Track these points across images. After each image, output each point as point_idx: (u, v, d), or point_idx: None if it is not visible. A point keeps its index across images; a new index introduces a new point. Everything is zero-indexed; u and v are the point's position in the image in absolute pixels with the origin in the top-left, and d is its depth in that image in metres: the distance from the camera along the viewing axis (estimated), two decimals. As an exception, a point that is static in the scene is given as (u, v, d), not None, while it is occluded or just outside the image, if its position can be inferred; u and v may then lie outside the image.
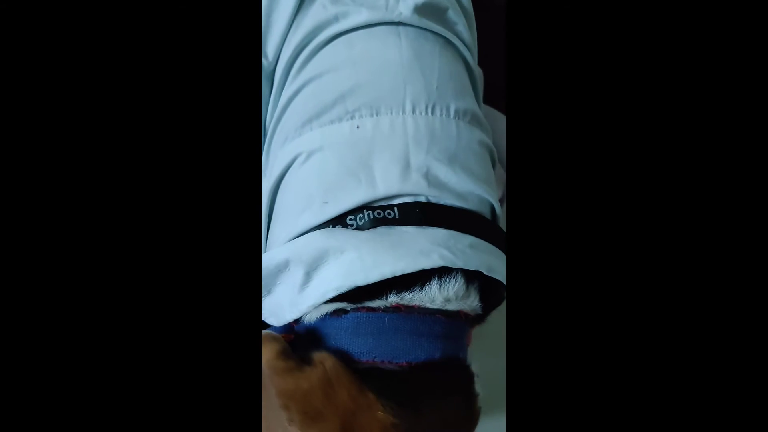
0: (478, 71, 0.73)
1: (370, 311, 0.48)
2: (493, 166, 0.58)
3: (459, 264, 0.48)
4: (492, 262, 0.51)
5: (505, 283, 0.52)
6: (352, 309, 0.48)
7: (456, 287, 0.49)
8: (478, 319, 0.54)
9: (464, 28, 0.60)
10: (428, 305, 0.48)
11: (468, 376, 0.50)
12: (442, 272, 0.48)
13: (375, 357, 0.47)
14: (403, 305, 0.48)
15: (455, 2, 0.61)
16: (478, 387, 0.51)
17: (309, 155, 0.53)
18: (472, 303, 0.51)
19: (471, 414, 0.50)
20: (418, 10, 0.56)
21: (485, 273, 0.49)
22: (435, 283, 0.48)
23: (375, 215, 0.49)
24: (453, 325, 0.50)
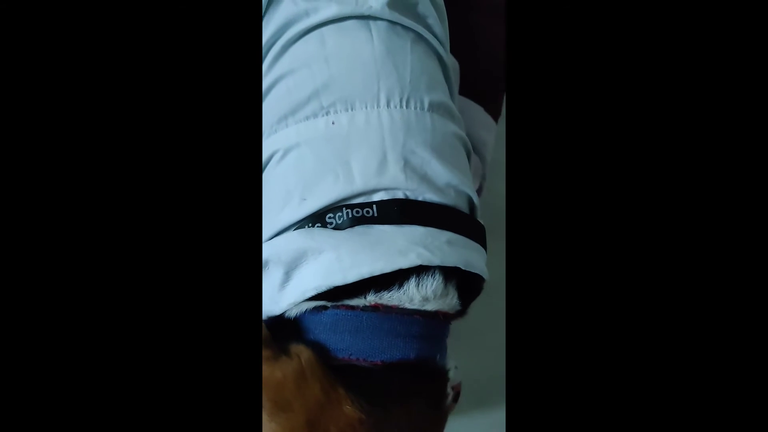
0: (452, 63, 0.73)
1: (349, 309, 0.49)
2: (468, 158, 0.59)
3: (436, 261, 0.48)
4: (470, 256, 0.51)
5: (484, 276, 0.53)
6: (332, 306, 0.49)
7: (434, 285, 0.49)
8: (459, 314, 0.55)
9: (435, 21, 0.59)
10: (407, 305, 0.49)
11: (440, 378, 0.51)
12: (420, 270, 0.49)
13: (351, 354, 0.48)
14: (381, 305, 0.49)
15: None
16: (450, 388, 0.52)
17: (286, 152, 0.52)
18: (450, 301, 0.51)
19: (439, 415, 0.50)
20: (389, 3, 0.56)
21: (462, 268, 0.50)
22: (413, 281, 0.49)
23: (354, 213, 0.49)
24: (431, 326, 0.50)
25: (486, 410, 0.94)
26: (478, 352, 0.92)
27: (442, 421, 0.51)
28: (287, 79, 0.55)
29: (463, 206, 0.54)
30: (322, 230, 0.49)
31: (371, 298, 0.48)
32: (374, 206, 0.49)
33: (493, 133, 0.76)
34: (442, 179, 0.52)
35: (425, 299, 0.49)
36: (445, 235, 0.50)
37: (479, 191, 0.74)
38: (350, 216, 0.49)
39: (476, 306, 0.94)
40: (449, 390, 0.51)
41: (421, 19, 0.58)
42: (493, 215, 1.03)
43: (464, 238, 0.51)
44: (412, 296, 0.49)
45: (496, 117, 0.77)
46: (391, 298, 0.48)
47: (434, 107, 0.54)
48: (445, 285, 0.50)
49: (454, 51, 0.75)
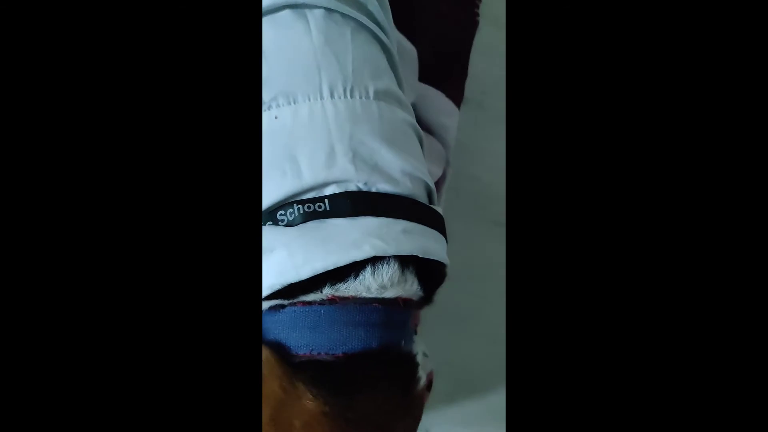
0: (409, 50, 0.73)
1: (306, 305, 0.48)
2: (421, 145, 0.58)
3: (391, 251, 0.48)
4: (427, 244, 0.51)
5: (444, 263, 0.52)
6: (289, 304, 0.48)
7: (390, 273, 0.49)
8: (425, 301, 0.54)
9: (376, 8, 0.58)
10: (364, 294, 0.48)
11: (408, 362, 0.51)
12: (375, 260, 0.48)
13: (312, 349, 0.47)
14: (338, 297, 0.48)
15: None
16: (424, 372, 0.51)
17: None
18: (410, 288, 0.50)
19: (408, 399, 0.50)
20: None
21: (420, 256, 0.50)
22: (368, 270, 0.48)
23: (305, 209, 0.48)
24: (392, 313, 0.50)
25: (485, 397, 0.95)
26: (477, 339, 0.92)
27: (414, 407, 0.50)
28: None
29: (420, 194, 0.53)
30: (273, 228, 0.48)
31: (327, 292, 0.48)
32: (326, 200, 0.49)
33: (455, 119, 0.76)
34: (395, 168, 0.51)
35: (382, 287, 0.49)
36: (401, 225, 0.50)
37: (443, 177, 0.73)
38: (302, 212, 0.48)
39: (475, 293, 0.94)
40: (420, 374, 0.51)
41: (361, 6, 0.57)
42: (479, 203, 1.04)
43: (421, 226, 0.51)
44: (368, 285, 0.48)
45: (458, 102, 0.77)
46: (348, 288, 0.48)
47: (380, 95, 0.53)
48: (402, 272, 0.49)
49: (411, 36, 0.75)
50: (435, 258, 0.51)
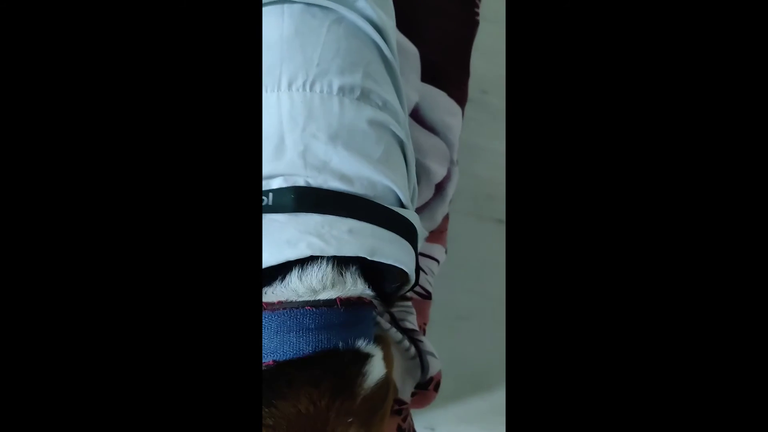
0: (411, 50, 0.73)
1: None
2: (404, 151, 0.56)
3: (330, 251, 0.46)
4: (378, 245, 0.48)
5: (399, 266, 0.49)
6: None
7: (321, 275, 0.46)
8: (387, 300, 0.51)
9: (368, 5, 0.56)
10: (293, 298, 0.46)
11: (349, 363, 0.47)
12: (304, 261, 0.46)
13: None
14: (266, 303, 0.46)
15: None
16: (373, 368, 0.48)
17: None
18: (353, 288, 0.48)
19: (351, 402, 0.46)
20: None
21: (368, 258, 0.47)
22: (295, 273, 0.46)
23: None
24: (329, 314, 0.47)
25: (489, 394, 0.95)
26: (481, 337, 0.92)
27: (362, 409, 0.47)
28: None
29: (383, 197, 0.51)
30: None
31: None
32: (270, 194, 0.47)
33: (458, 118, 0.76)
34: (350, 168, 0.49)
35: (312, 290, 0.46)
36: (347, 223, 0.47)
37: (448, 176, 0.74)
38: None
39: (479, 291, 0.95)
40: (368, 371, 0.47)
41: (346, 2, 0.56)
42: (478, 201, 1.04)
43: (372, 226, 0.49)
44: (295, 288, 0.46)
45: (461, 102, 0.77)
46: (275, 292, 0.46)
47: (345, 91, 0.51)
48: (340, 273, 0.47)
49: (414, 37, 0.75)
50: (386, 261, 0.48)
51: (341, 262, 0.47)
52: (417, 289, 0.73)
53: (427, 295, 0.75)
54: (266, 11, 0.53)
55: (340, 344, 0.47)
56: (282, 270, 0.46)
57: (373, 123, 0.52)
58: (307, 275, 0.46)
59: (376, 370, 0.48)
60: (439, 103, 0.74)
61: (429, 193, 0.71)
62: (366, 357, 0.48)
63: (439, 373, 0.73)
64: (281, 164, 0.47)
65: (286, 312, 0.46)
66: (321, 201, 0.47)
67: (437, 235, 0.74)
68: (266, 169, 0.47)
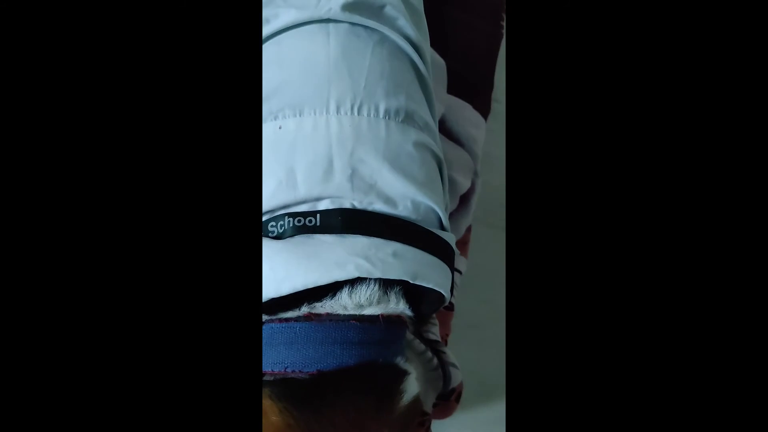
0: (437, 63, 0.73)
1: (283, 322, 0.48)
2: (441, 172, 0.56)
3: (377, 274, 0.47)
4: (419, 269, 0.49)
5: (438, 290, 0.51)
6: (266, 321, 0.48)
7: (368, 293, 0.48)
8: (422, 320, 0.54)
9: (407, 23, 0.57)
10: (340, 312, 0.48)
11: (388, 377, 0.49)
12: (355, 280, 0.47)
13: (287, 367, 0.47)
14: (314, 314, 0.48)
15: None
16: (409, 386, 0.50)
17: None
18: (395, 307, 0.49)
19: (387, 413, 0.48)
20: (349, 6, 0.54)
21: (410, 281, 0.48)
22: (346, 291, 0.47)
23: (296, 222, 0.48)
24: (370, 330, 0.49)
25: (496, 402, 0.95)
26: (487, 345, 0.92)
27: (395, 421, 0.49)
28: None
29: (425, 220, 0.52)
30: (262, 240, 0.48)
31: (305, 309, 0.48)
32: (317, 215, 0.48)
33: (482, 130, 0.77)
34: (395, 190, 0.50)
35: (359, 306, 0.48)
36: (392, 246, 0.48)
37: (473, 188, 0.74)
38: (292, 225, 0.47)
39: (487, 299, 0.95)
40: (404, 387, 0.49)
41: (388, 21, 0.56)
42: (489, 209, 1.05)
43: (415, 249, 0.49)
44: (345, 304, 0.48)
45: (485, 114, 0.77)
46: (324, 306, 0.48)
47: (391, 114, 0.52)
48: (385, 293, 0.49)
49: (441, 49, 0.76)
50: (426, 284, 0.49)
51: (386, 283, 0.48)
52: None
53: (449, 306, 0.75)
54: (310, 30, 0.54)
55: (380, 360, 0.49)
56: (333, 288, 0.47)
57: (417, 145, 0.53)
58: (356, 293, 0.48)
59: (411, 387, 0.49)
60: (464, 115, 0.74)
61: (454, 204, 0.71)
62: (404, 374, 0.50)
63: (460, 384, 0.73)
64: (330, 187, 0.48)
65: (332, 324, 0.47)
66: (367, 223, 0.48)
67: (460, 246, 0.75)
68: (315, 192, 0.48)
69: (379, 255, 0.47)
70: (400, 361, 0.50)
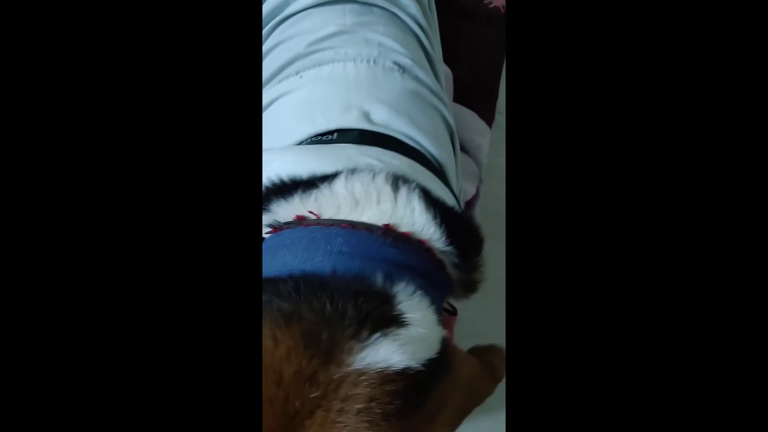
0: (445, 72, 0.75)
1: (288, 227, 0.43)
2: (453, 142, 0.59)
3: (383, 168, 0.45)
4: (427, 182, 0.47)
5: (453, 207, 0.48)
6: (265, 233, 0.44)
7: (365, 184, 0.43)
8: (463, 270, 0.48)
9: (417, 11, 0.63)
10: (332, 214, 0.42)
11: (376, 299, 0.38)
12: (354, 170, 0.44)
13: (291, 271, 0.40)
14: (298, 217, 0.43)
15: None
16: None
17: (269, 103, 0.57)
18: (407, 215, 0.42)
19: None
20: None
21: (419, 186, 0.44)
22: (342, 178, 0.43)
23: (314, 140, 0.51)
24: (370, 241, 0.41)
25: (490, 414, 0.95)
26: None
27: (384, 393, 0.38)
28: (272, 53, 0.61)
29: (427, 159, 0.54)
30: (277, 148, 0.51)
31: (297, 199, 0.43)
32: (335, 133, 0.51)
33: (487, 138, 0.78)
34: (404, 131, 0.52)
35: (354, 201, 0.42)
36: (407, 161, 0.49)
37: (477, 195, 0.75)
38: (310, 142, 0.51)
39: (489, 308, 0.95)
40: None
41: (398, 4, 0.62)
42: (492, 217, 1.05)
43: (428, 172, 0.50)
44: (338, 191, 0.43)
45: (489, 122, 0.79)
46: (318, 200, 0.43)
47: (406, 68, 0.57)
48: (394, 189, 0.43)
49: (448, 59, 0.77)
50: (435, 194, 0.45)
51: (397, 179, 0.43)
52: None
53: (453, 311, 0.76)
54: (327, 9, 0.61)
55: (377, 279, 0.39)
56: (329, 178, 0.43)
57: (427, 101, 0.57)
58: (351, 182, 0.43)
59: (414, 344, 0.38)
60: (470, 123, 0.76)
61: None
62: (399, 316, 0.38)
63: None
64: (346, 120, 0.51)
65: (319, 228, 0.41)
66: (384, 142, 0.51)
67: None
68: (332, 124, 0.51)
69: (394, 162, 0.47)
70: (406, 293, 0.39)
